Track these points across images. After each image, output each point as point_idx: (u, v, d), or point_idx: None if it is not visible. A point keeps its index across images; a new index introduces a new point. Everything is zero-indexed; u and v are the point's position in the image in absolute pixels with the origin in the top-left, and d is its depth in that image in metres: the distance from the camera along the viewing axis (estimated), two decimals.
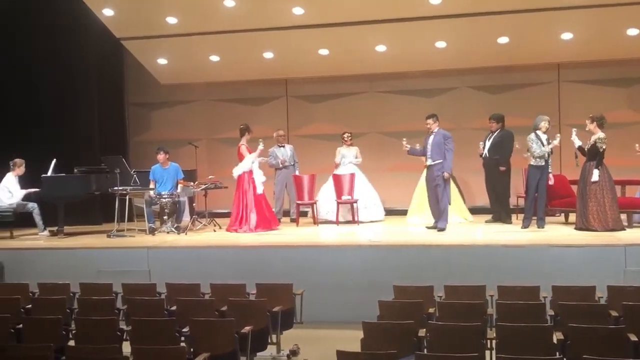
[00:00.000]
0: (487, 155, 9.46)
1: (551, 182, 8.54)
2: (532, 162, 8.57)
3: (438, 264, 7.33)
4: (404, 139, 9.06)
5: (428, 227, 9.06)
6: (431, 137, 8.91)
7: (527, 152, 8.62)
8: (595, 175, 8.11)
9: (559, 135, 8.66)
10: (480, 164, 9.78)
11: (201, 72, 11.80)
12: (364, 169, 10.62)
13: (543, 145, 8.45)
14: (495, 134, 9.45)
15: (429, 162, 8.90)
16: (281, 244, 8.23)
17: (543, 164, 8.49)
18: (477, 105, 11.37)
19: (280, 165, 10.59)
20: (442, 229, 8.77)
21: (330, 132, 11.80)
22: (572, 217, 9.11)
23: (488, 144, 9.46)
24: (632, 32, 9.93)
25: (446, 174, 8.71)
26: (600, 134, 8.18)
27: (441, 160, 8.75)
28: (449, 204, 8.94)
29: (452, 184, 9.87)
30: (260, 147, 9.62)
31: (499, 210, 9.56)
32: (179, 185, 9.69)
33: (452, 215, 9.47)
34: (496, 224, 9.43)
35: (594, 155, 8.21)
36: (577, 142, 8.40)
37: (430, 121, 8.93)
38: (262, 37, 10.57)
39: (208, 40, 10.79)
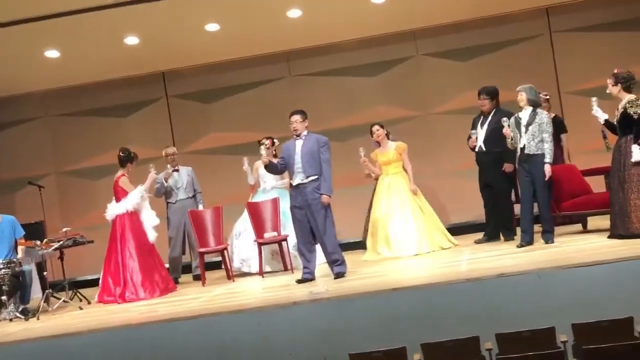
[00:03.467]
0: (484, 147, 9.51)
1: (547, 175, 8.62)
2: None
3: (409, 314, 7.32)
4: (245, 158, 9.04)
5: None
6: (299, 144, 8.82)
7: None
8: (637, 152, 8.05)
9: (594, 99, 8.50)
10: (469, 162, 9.93)
11: (35, 77, 11.74)
12: None
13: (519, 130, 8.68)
14: (491, 116, 9.53)
15: (300, 178, 8.69)
16: (185, 316, 8.13)
17: (519, 154, 8.70)
18: (444, 79, 11.67)
19: (163, 192, 10.51)
20: (339, 274, 8.70)
21: (236, 142, 11.89)
22: (592, 221, 9.38)
23: (482, 131, 9.55)
24: None
25: (325, 198, 8.60)
26: (629, 96, 8.20)
27: (317, 176, 8.66)
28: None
29: (423, 200, 9.95)
30: (153, 173, 9.69)
31: (496, 224, 9.69)
32: (19, 248, 9.55)
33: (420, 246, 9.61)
34: (490, 243, 9.59)
35: (627, 126, 8.19)
36: (603, 116, 8.46)
37: (297, 118, 8.82)
38: (118, 15, 10.42)
39: (40, 28, 10.56)
